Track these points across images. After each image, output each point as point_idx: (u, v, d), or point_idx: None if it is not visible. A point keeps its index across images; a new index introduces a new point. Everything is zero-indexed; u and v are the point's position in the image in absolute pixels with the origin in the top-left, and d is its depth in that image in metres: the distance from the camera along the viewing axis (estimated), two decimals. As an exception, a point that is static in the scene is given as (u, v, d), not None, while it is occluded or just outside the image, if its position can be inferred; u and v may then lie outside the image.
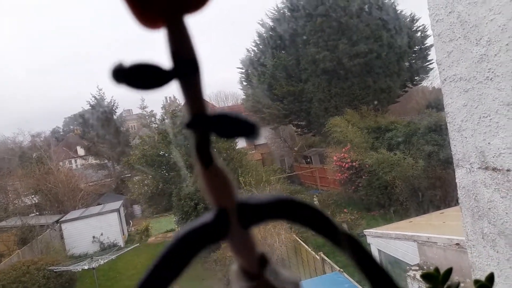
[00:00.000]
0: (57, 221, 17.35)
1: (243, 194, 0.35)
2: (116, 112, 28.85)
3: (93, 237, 16.45)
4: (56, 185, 19.69)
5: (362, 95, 20.47)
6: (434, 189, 13.56)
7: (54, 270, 11.13)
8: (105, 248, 15.72)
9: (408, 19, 21.53)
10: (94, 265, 11.14)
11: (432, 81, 26.68)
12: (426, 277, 0.51)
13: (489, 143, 1.52)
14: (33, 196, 20.06)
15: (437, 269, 0.51)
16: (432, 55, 22.42)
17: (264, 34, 22.92)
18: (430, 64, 22.25)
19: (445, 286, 0.51)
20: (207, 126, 0.31)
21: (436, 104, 20.04)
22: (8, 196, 18.37)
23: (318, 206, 0.39)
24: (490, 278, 0.52)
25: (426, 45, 21.98)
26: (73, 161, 33.07)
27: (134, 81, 0.28)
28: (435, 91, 26.90)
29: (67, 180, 20.40)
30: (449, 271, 0.51)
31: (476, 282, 0.52)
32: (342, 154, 16.01)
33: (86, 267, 11.16)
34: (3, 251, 14.27)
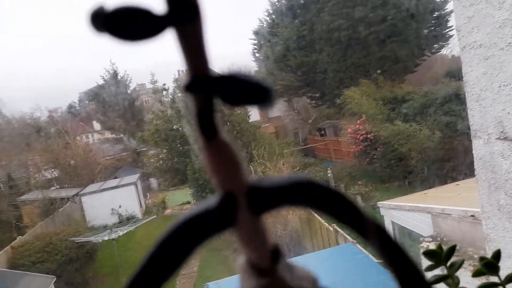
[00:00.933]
0: (77, 194, 17.90)
1: (254, 176, 0.29)
2: (129, 86, 29.00)
3: (112, 209, 16.95)
4: (74, 159, 20.18)
5: (378, 65, 19.92)
6: (451, 160, 13.36)
7: (76, 241, 11.58)
8: (123, 220, 16.22)
9: (427, -17, 20.54)
10: (113, 236, 11.53)
11: (451, 49, 25.68)
12: (429, 254, 0.49)
13: (508, 112, 1.45)
14: (52, 170, 20.64)
15: (440, 246, 0.48)
16: (452, 21, 21.48)
17: (277, 3, 22.28)
18: (450, 31, 21.36)
19: (449, 263, 0.49)
20: (211, 89, 0.26)
21: (455, 73, 19.41)
22: (29, 170, 18.99)
23: (342, 191, 0.33)
24: (497, 255, 0.50)
25: (446, 10, 21.03)
26: (89, 135, 33.70)
27: (118, 30, 0.23)
28: (454, 59, 25.95)
29: (84, 154, 20.87)
30: (452, 248, 0.48)
31: (482, 259, 0.50)
32: (357, 126, 15.81)
33: (106, 238, 11.56)
34: (27, 223, 14.89)
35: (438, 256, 0.50)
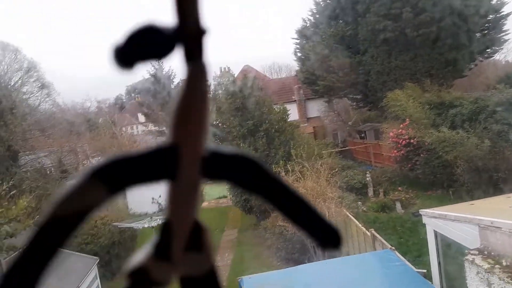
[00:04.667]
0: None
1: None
2: (173, 81, 29.83)
3: (152, 198, 17.56)
4: (120, 149, 21.11)
5: (425, 68, 19.21)
6: (501, 171, 12.65)
7: (118, 226, 12.14)
8: (162, 209, 16.76)
9: (483, -16, 19.52)
10: (153, 224, 11.97)
11: (506, 54, 24.32)
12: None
13: None
14: (99, 158, 21.71)
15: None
16: (509, 24, 20.32)
17: (321, 2, 22.06)
18: (506, 35, 20.21)
19: None
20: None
21: (509, 79, 18.33)
22: (78, 157, 20.05)
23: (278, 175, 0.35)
24: None
25: (502, 13, 19.89)
26: (134, 127, 35.07)
27: (137, 55, 0.26)
28: (508, 65, 24.53)
29: (129, 145, 21.74)
30: None
31: None
32: (400, 130, 15.36)
33: (146, 226, 12.03)
34: (74, 207, 15.74)
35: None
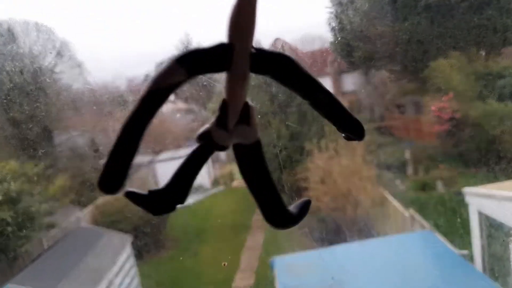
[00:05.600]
0: (151, 161, 18.98)
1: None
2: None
3: (183, 177, 17.81)
4: (149, 127, 21.32)
5: (471, 35, 17.73)
6: (557, 147, 11.58)
7: (150, 205, 12.31)
8: (193, 189, 16.87)
9: None
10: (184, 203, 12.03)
11: None
12: None
13: None
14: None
15: None
16: None
17: (357, -32, 20.77)
18: None
19: None
20: None
21: None
22: (110, 137, 20.53)
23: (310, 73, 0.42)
24: None
25: None
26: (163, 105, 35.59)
27: None
28: None
29: (160, 124, 21.92)
30: None
31: None
32: (442, 103, 14.34)
33: (177, 205, 12.11)
34: (108, 185, 16.23)
35: None
